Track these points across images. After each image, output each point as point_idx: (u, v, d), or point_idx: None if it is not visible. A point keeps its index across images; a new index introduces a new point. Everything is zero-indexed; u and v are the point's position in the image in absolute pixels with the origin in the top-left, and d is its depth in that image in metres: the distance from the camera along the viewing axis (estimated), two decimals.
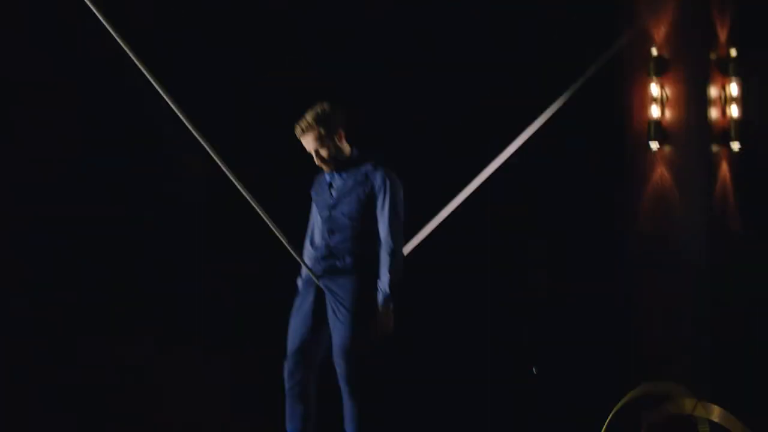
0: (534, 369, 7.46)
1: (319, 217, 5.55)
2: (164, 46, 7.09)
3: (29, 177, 6.80)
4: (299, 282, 5.60)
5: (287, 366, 5.38)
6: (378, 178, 5.36)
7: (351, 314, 5.26)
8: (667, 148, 7.16)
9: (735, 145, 7.18)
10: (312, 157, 5.56)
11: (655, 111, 7.16)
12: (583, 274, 7.47)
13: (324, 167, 5.42)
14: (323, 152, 5.35)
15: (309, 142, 5.37)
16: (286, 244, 5.42)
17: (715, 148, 7.11)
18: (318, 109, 5.38)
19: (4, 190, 6.73)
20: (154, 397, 6.93)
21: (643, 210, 7.21)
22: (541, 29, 7.68)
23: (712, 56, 7.14)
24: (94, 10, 4.82)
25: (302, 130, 5.36)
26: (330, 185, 5.49)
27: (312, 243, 5.61)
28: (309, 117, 5.36)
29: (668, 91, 7.15)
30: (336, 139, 5.39)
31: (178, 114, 5.14)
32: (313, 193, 5.61)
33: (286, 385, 5.37)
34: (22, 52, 6.78)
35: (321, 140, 5.36)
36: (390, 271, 5.35)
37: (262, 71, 7.38)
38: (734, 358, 7.00)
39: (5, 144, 6.74)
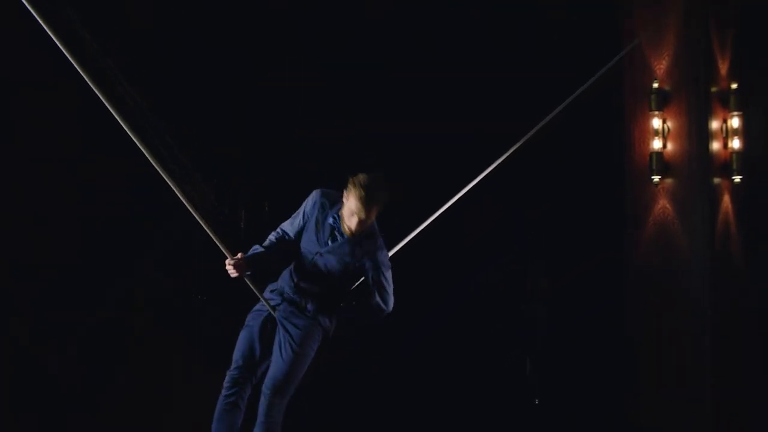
0: (537, 401, 7.52)
1: (300, 250, 5.39)
2: (164, 46, 7.06)
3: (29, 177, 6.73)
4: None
5: (231, 375, 5.38)
6: (368, 263, 5.25)
7: (295, 356, 5.27)
8: (668, 181, 7.17)
9: (737, 178, 7.19)
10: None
11: (656, 143, 7.18)
12: (585, 305, 7.52)
13: (354, 228, 5.19)
14: (363, 226, 5.18)
15: (369, 217, 5.17)
16: (251, 285, 5.34)
17: (716, 180, 7.11)
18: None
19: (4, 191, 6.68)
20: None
21: (645, 241, 7.24)
22: (541, 51, 7.67)
23: (713, 89, 7.12)
24: (32, 11, 4.65)
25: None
26: (332, 233, 5.32)
27: (278, 239, 5.40)
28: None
29: (670, 123, 7.16)
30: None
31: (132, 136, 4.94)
32: (312, 212, 5.36)
33: (224, 392, 5.38)
34: (22, 52, 6.73)
35: (373, 218, 5.23)
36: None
37: (262, 71, 7.36)
38: (734, 388, 7.06)
39: (5, 144, 6.66)
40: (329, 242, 5.33)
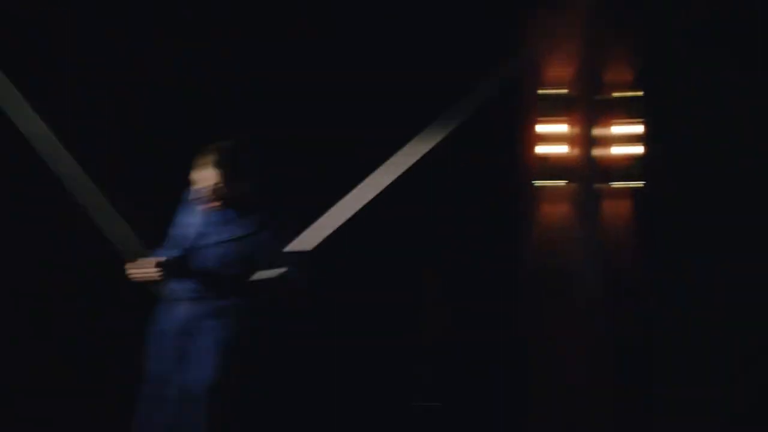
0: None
1: None
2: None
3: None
4: None
5: None
6: None
7: None
8: (564, 185, 7.15)
9: (637, 183, 7.15)
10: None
11: (551, 149, 7.14)
12: (476, 310, 7.43)
13: None
14: None
15: None
16: None
17: (616, 185, 7.13)
18: None
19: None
20: None
21: (538, 245, 7.18)
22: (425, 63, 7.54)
23: (616, 95, 7.13)
24: None
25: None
26: None
27: None
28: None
29: (570, 129, 7.10)
30: None
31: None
32: None
33: None
34: None
35: None
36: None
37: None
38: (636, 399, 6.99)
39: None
40: None
